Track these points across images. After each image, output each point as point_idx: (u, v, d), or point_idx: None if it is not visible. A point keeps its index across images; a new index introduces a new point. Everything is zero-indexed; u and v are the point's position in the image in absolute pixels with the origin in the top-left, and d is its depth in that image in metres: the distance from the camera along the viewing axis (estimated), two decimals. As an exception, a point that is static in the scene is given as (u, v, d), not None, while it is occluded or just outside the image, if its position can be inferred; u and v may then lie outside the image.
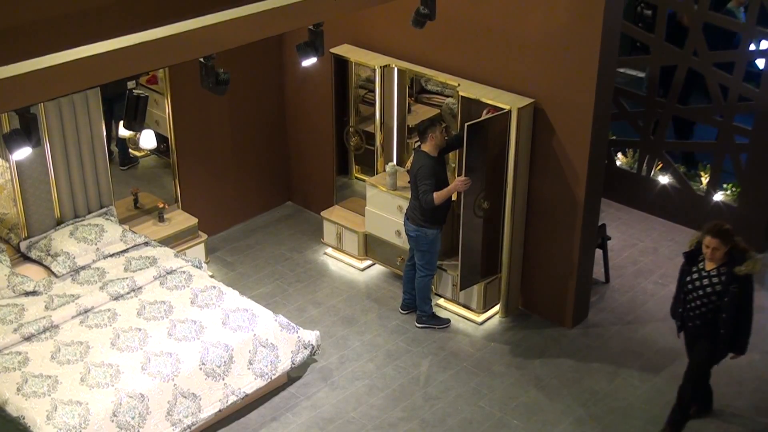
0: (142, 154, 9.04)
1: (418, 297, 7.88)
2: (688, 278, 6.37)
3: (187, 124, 8.61)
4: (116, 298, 7.17)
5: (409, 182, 7.73)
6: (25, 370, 6.40)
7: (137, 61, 4.62)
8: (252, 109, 9.19)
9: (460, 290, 7.93)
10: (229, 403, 6.73)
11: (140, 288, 7.30)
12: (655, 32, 9.12)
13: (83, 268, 7.52)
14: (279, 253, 9.03)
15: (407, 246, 7.90)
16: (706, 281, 6.26)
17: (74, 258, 7.50)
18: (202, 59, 5.16)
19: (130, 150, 9.00)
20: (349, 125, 8.73)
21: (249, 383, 6.84)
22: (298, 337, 7.15)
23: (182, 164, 8.71)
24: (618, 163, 9.78)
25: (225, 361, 6.70)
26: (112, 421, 6.13)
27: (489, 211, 7.62)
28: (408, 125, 8.43)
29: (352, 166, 9.01)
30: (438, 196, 7.35)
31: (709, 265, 6.27)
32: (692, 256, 6.39)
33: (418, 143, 7.57)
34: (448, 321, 7.97)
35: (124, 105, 8.01)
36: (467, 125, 7.21)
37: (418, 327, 7.92)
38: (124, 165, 8.79)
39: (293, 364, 7.13)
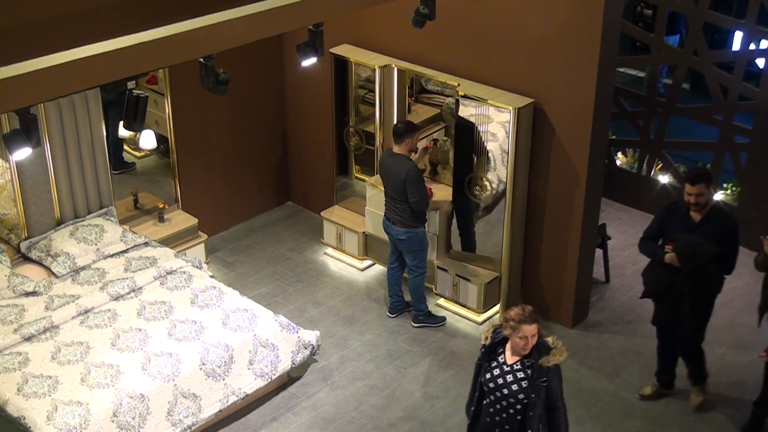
0: (142, 154, 9.04)
1: (413, 298, 7.88)
2: (488, 375, 5.25)
3: (187, 125, 8.61)
4: (116, 299, 7.17)
5: (384, 187, 7.64)
6: (25, 370, 6.40)
7: (137, 61, 4.63)
8: (252, 110, 9.19)
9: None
10: (230, 403, 6.73)
11: (140, 288, 7.29)
12: (655, 32, 9.13)
13: (83, 268, 7.52)
14: (279, 253, 9.03)
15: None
16: (510, 377, 5.18)
17: (74, 258, 7.51)
18: (202, 59, 5.16)
19: (124, 154, 8.98)
20: (349, 125, 8.73)
21: (249, 383, 6.84)
22: (299, 337, 7.15)
23: (182, 164, 8.71)
24: (618, 162, 9.78)
25: (225, 362, 6.70)
26: (113, 421, 6.13)
27: (480, 198, 7.73)
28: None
29: (352, 166, 9.02)
30: (431, 188, 7.47)
31: (512, 358, 5.20)
32: (491, 349, 5.31)
33: (390, 148, 7.55)
34: (444, 319, 7.97)
35: (116, 110, 8.00)
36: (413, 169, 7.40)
37: (415, 327, 7.92)
38: (116, 169, 8.64)
39: (293, 364, 7.13)
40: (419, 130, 7.59)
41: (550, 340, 5.21)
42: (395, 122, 8.06)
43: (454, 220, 8.04)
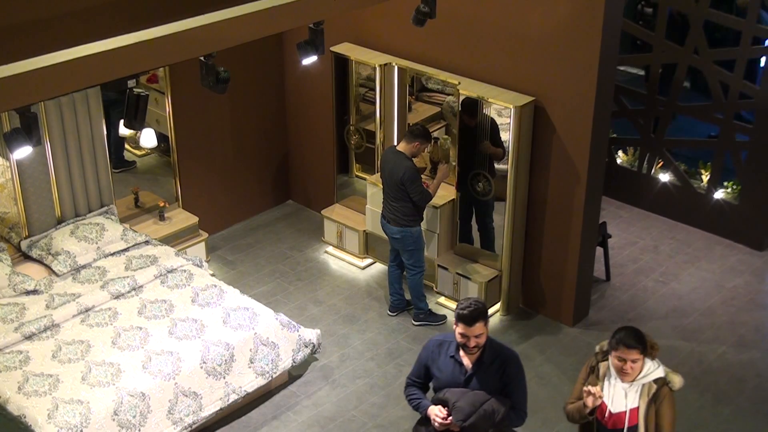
0: (143, 153, 9.05)
1: (412, 296, 7.88)
2: None
3: (188, 123, 8.61)
4: (117, 297, 7.17)
5: (382, 184, 7.67)
6: (26, 369, 6.40)
7: (137, 59, 4.62)
8: (252, 108, 9.19)
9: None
10: (230, 401, 6.74)
11: (141, 287, 7.30)
12: (655, 30, 9.12)
13: (84, 266, 7.52)
14: (279, 251, 9.03)
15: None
16: None
17: (75, 257, 7.51)
18: (202, 58, 5.16)
19: (125, 153, 8.98)
20: (350, 124, 8.73)
21: (250, 382, 6.84)
22: (299, 335, 7.16)
23: (183, 163, 8.71)
24: (618, 161, 9.78)
25: (226, 360, 6.70)
26: (113, 419, 6.14)
27: (483, 192, 7.73)
28: (409, 123, 8.43)
29: (352, 165, 9.01)
30: (433, 190, 7.46)
31: None
32: None
33: (394, 145, 7.54)
34: (444, 317, 7.97)
35: (117, 109, 8.00)
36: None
37: (415, 325, 7.92)
38: (116, 168, 8.67)
39: (294, 362, 7.14)
40: (430, 144, 7.65)
41: None
42: (415, 124, 8.04)
43: (473, 216, 8.07)
